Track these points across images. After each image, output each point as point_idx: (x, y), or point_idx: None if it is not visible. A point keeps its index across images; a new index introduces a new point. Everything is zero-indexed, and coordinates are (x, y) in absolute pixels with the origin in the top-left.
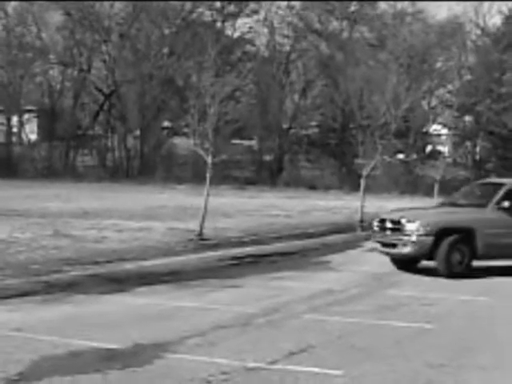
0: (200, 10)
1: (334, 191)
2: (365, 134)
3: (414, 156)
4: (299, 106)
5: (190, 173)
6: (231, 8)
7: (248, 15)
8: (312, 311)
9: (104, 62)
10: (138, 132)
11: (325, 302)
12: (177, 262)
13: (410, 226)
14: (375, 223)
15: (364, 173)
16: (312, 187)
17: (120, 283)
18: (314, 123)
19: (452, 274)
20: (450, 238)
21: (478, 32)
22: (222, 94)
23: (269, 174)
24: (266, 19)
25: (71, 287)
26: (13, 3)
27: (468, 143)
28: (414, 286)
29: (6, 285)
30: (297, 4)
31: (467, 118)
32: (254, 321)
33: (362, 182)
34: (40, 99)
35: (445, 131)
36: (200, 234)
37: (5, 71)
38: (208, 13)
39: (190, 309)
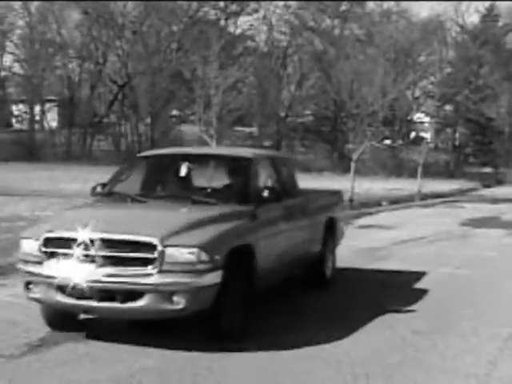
0: (205, 9)
1: (326, 173)
2: (355, 121)
3: (400, 142)
4: (295, 97)
5: None
6: (233, 7)
7: (249, 14)
8: (303, 284)
9: (118, 56)
10: (148, 120)
11: None
12: None
13: (175, 252)
14: (35, 245)
15: (354, 157)
16: (306, 170)
17: None
18: (308, 112)
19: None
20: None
21: (458, 29)
22: (225, 85)
23: None
24: (265, 17)
25: None
26: (35, 3)
27: (448, 130)
28: (400, 259)
29: None
30: (293, 4)
31: (448, 107)
32: None
33: (352, 165)
34: (60, 90)
35: (427, 119)
36: None
37: (28, 65)
38: (212, 11)
39: None
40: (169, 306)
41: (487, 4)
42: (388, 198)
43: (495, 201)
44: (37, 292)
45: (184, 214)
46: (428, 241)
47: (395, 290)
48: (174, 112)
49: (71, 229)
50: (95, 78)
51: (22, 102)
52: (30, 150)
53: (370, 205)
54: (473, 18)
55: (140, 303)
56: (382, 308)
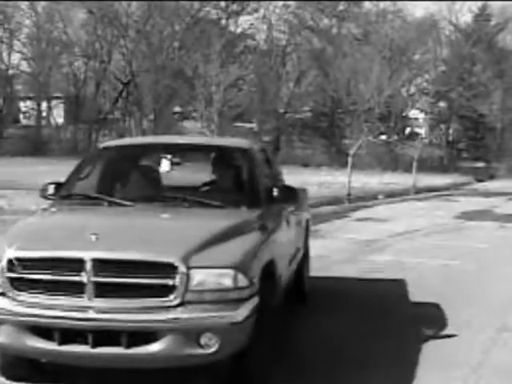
0: (207, 8)
1: (324, 168)
2: (352, 117)
3: (395, 137)
4: (294, 93)
5: None
6: (234, 7)
7: (249, 13)
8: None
9: (122, 54)
10: (152, 116)
11: (314, 267)
12: None
13: (203, 275)
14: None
15: (351, 152)
16: (305, 164)
17: None
18: (306, 108)
19: None
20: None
21: (451, 28)
22: (225, 83)
23: None
24: (264, 17)
25: None
26: (42, 3)
27: (442, 126)
28: (394, 251)
29: None
30: (292, 3)
31: (441, 104)
32: None
33: (349, 160)
34: (66, 87)
35: (422, 115)
36: None
37: (35, 63)
38: (214, 11)
39: None
40: (195, 351)
41: (480, 4)
42: (384, 191)
43: (488, 194)
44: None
45: (200, 222)
46: (423, 233)
47: (390, 278)
48: (177, 108)
49: (50, 245)
50: (100, 75)
51: (30, 98)
52: (36, 145)
53: (367, 198)
54: (466, 18)
55: (154, 348)
56: (378, 296)
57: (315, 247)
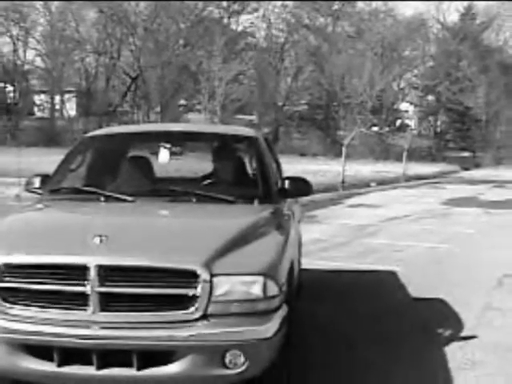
0: (210, 8)
1: (320, 158)
2: (346, 110)
3: (386, 128)
4: (291, 88)
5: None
6: (235, 6)
7: (249, 12)
8: (303, 256)
9: (131, 51)
10: (158, 108)
11: (313, 249)
12: None
13: (229, 284)
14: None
15: (345, 142)
16: (302, 154)
17: None
18: (303, 101)
19: None
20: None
21: (439, 26)
22: (227, 78)
23: None
24: (264, 16)
25: None
26: (56, 2)
27: (430, 118)
28: (386, 235)
29: None
30: (290, 3)
31: (430, 97)
32: None
33: (344, 150)
34: (78, 82)
35: (411, 108)
36: None
37: (49, 59)
38: (216, 10)
39: None
40: (219, 371)
41: (466, 4)
42: (376, 179)
43: (473, 182)
44: None
45: (216, 221)
46: (412, 218)
47: (384, 257)
48: (182, 101)
49: (45, 249)
50: (110, 70)
51: (44, 92)
52: (50, 136)
53: (360, 186)
54: (453, 17)
55: (172, 369)
56: (371, 276)
57: (313, 232)
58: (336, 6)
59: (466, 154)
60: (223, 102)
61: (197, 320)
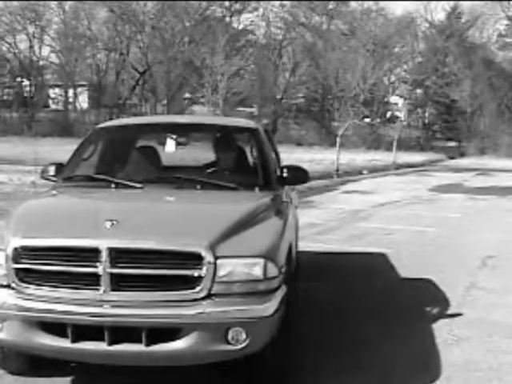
0: (213, 7)
1: (316, 147)
2: (339, 103)
3: (378, 120)
4: (289, 82)
5: None
6: (237, 6)
7: (250, 11)
8: (300, 239)
9: (139, 47)
10: (165, 101)
11: (309, 233)
12: None
13: (231, 265)
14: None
15: (339, 132)
16: (299, 144)
17: None
18: (300, 95)
19: None
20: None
21: (427, 25)
22: (229, 73)
23: None
24: (263, 14)
25: None
26: (69, 2)
27: (419, 110)
28: (378, 219)
29: None
30: (287, 3)
31: (418, 91)
32: None
33: (338, 140)
34: (90, 76)
35: (401, 101)
36: None
37: (63, 55)
38: (219, 10)
39: None
40: (222, 347)
41: (452, 3)
42: (368, 167)
43: (458, 170)
44: (3, 332)
45: (220, 206)
46: (402, 204)
47: (376, 240)
48: (187, 95)
49: (60, 232)
50: (120, 66)
51: (58, 86)
52: (64, 127)
53: (353, 173)
54: (440, 16)
55: (179, 345)
56: (365, 256)
57: (310, 216)
58: (331, 5)
59: (452, 143)
60: (225, 96)
61: (202, 299)
